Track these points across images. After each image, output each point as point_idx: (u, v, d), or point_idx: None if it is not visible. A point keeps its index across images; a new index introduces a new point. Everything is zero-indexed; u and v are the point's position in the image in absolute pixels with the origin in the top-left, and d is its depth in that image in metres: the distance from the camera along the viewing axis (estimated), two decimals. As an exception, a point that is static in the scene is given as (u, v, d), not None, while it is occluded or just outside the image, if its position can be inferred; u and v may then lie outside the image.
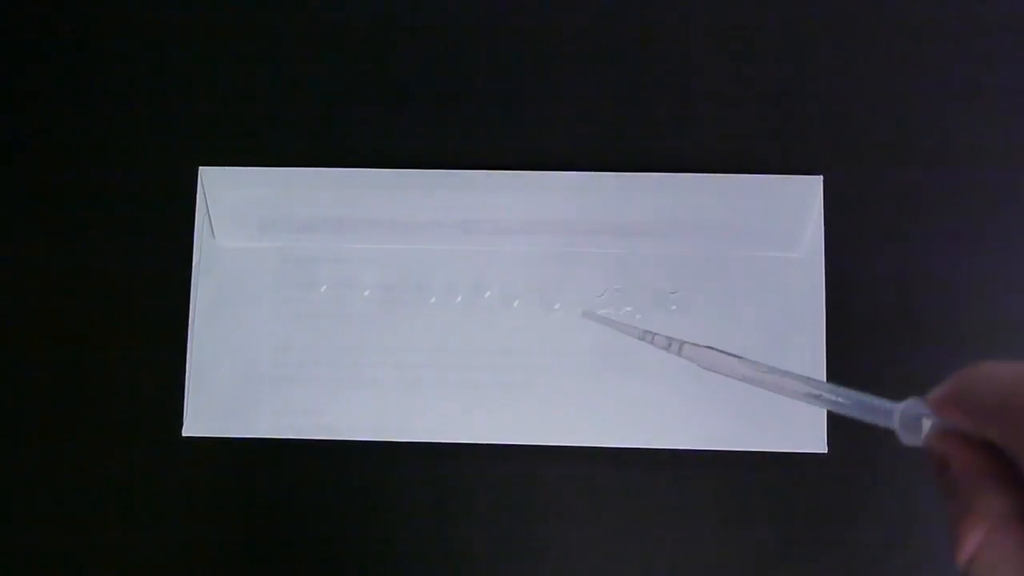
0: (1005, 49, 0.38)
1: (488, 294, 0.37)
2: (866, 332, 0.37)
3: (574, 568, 0.36)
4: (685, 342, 0.28)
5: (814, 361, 0.36)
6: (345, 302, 0.37)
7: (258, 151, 0.38)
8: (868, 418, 0.24)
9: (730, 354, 0.28)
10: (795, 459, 0.36)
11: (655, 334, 0.29)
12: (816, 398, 0.26)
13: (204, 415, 0.37)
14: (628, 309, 0.37)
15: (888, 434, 0.26)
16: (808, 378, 0.26)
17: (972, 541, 0.18)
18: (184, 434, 0.37)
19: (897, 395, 0.25)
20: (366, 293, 0.37)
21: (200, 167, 0.38)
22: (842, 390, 0.24)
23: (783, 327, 0.36)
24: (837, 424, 0.36)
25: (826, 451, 0.36)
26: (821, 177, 0.37)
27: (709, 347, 0.28)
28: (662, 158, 0.38)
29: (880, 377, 0.36)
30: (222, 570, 0.37)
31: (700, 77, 0.38)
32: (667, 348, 0.29)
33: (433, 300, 0.37)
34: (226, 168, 0.38)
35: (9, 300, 0.38)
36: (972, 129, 0.38)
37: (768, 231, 0.37)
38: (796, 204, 0.37)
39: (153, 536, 0.37)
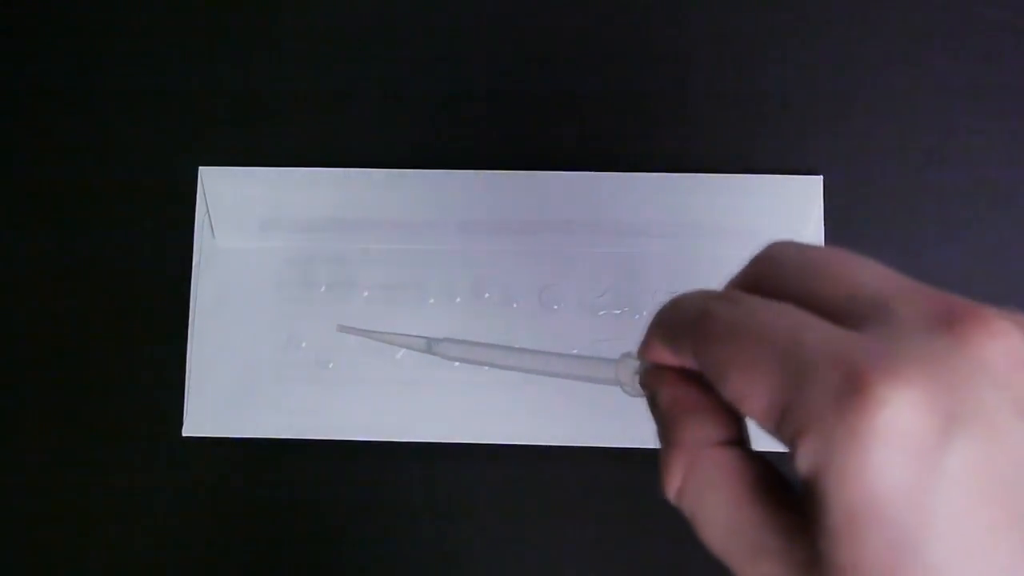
0: (1005, 49, 0.38)
1: (487, 295, 0.37)
2: (866, 332, 0.37)
3: (574, 568, 0.36)
4: (442, 340, 0.28)
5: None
6: (345, 302, 0.37)
7: (258, 151, 0.38)
8: (595, 379, 0.24)
9: (477, 344, 0.28)
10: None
11: (412, 336, 0.29)
12: (543, 371, 0.26)
13: (204, 415, 0.37)
14: (627, 309, 0.37)
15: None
16: (535, 351, 0.26)
17: (677, 472, 0.17)
18: (184, 434, 0.37)
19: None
20: (366, 293, 0.37)
21: (200, 167, 0.38)
22: (566, 358, 0.25)
23: (783, 327, 0.36)
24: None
25: (826, 451, 0.36)
26: (821, 177, 0.37)
27: (458, 339, 0.28)
28: (662, 158, 0.38)
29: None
30: (222, 570, 0.37)
31: (700, 77, 0.38)
32: (427, 350, 0.28)
33: (432, 300, 0.37)
34: (226, 168, 0.38)
35: (9, 300, 0.38)
36: (972, 129, 0.38)
37: (768, 231, 0.36)
38: (796, 204, 0.37)
39: (153, 536, 0.37)
